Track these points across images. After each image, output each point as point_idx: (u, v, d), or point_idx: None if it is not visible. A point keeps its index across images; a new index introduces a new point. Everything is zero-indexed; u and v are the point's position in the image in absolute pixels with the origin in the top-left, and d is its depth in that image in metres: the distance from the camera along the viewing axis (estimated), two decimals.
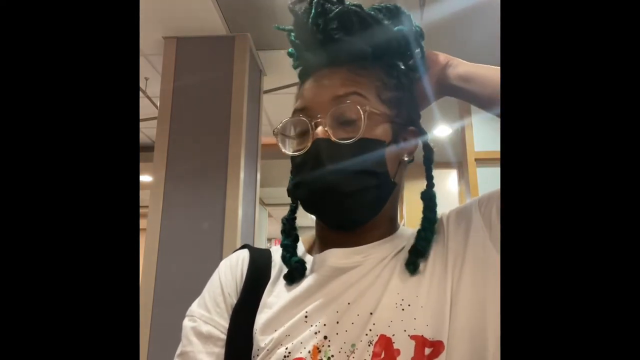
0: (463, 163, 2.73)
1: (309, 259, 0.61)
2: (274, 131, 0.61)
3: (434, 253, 0.57)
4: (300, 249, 0.64)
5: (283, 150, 0.61)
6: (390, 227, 0.62)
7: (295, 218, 0.65)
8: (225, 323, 0.59)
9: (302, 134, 0.59)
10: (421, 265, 0.56)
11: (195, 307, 0.62)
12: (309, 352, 0.51)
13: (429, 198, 0.61)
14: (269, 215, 6.79)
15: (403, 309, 0.52)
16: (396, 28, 0.59)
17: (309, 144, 0.56)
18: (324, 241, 0.62)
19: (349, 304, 0.53)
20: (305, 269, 0.59)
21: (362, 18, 0.57)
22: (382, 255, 0.58)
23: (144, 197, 2.17)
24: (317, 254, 0.61)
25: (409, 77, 0.61)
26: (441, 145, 3.41)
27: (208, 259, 2.14)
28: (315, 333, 0.52)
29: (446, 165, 3.77)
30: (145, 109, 3.11)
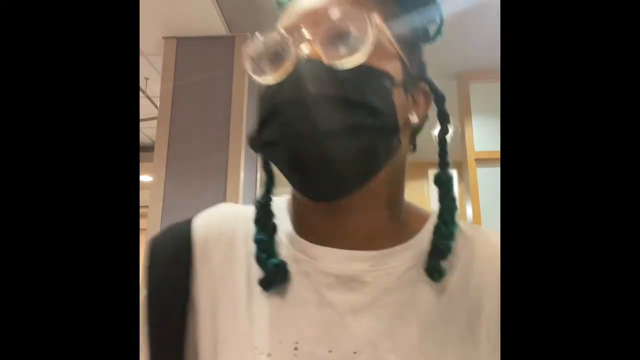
0: (463, 163, 2.72)
1: (294, 239, 0.46)
2: (243, 49, 0.45)
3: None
4: (285, 219, 0.48)
5: (256, 79, 0.43)
6: (399, 224, 0.46)
7: (270, 200, 0.48)
8: None
9: (280, 58, 0.42)
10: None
11: None
12: None
13: (445, 182, 0.46)
14: None
15: None
16: None
17: (291, 66, 0.40)
18: (311, 225, 0.46)
19: (354, 353, 0.40)
20: (287, 272, 0.44)
21: None
22: (395, 275, 0.43)
23: (144, 197, 2.17)
24: (309, 241, 0.45)
25: (424, 36, 0.49)
26: None
27: None
28: None
29: None
30: (145, 109, 3.11)
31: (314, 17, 0.42)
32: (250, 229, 0.47)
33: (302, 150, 0.39)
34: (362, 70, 0.40)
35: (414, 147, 0.50)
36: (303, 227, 0.47)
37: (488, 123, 2.63)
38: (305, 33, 0.41)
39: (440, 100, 0.49)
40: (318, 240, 0.45)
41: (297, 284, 0.44)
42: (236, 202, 2.25)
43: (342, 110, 0.39)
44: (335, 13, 0.41)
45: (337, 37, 0.42)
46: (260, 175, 2.72)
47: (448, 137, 0.48)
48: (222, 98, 2.40)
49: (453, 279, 0.44)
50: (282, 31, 0.42)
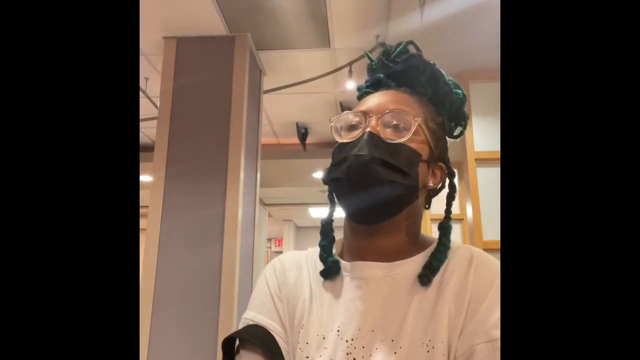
0: (463, 163, 2.72)
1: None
2: (330, 119, 0.69)
3: (453, 287, 0.61)
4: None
5: (336, 138, 0.68)
6: (411, 247, 0.67)
7: (332, 220, 0.72)
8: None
9: (354, 128, 0.67)
10: (442, 301, 0.60)
11: None
12: None
13: (445, 228, 0.68)
14: (269, 215, 6.79)
15: (428, 351, 0.57)
16: (454, 90, 0.72)
17: (360, 134, 0.64)
18: (350, 249, 0.69)
19: (372, 331, 0.60)
20: (339, 268, 0.67)
21: (432, 68, 0.71)
22: (405, 275, 0.64)
23: (144, 197, 2.17)
24: (347, 261, 0.68)
25: (449, 128, 0.73)
26: None
27: (208, 259, 2.14)
28: (347, 354, 0.60)
29: None
30: (145, 109, 3.11)
31: (379, 109, 0.66)
32: (309, 256, 0.72)
33: (356, 188, 0.62)
34: (401, 147, 0.64)
35: (428, 206, 0.73)
36: (345, 251, 0.70)
37: (488, 123, 2.63)
38: (373, 117, 0.65)
39: (451, 175, 0.71)
40: (353, 259, 0.67)
41: (341, 289, 0.65)
42: (236, 202, 2.25)
43: (385, 168, 0.61)
44: (392, 110, 0.65)
45: (391, 124, 0.65)
46: (260, 175, 2.72)
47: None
48: (222, 98, 2.40)
49: (438, 279, 0.63)
50: (360, 113, 0.66)
